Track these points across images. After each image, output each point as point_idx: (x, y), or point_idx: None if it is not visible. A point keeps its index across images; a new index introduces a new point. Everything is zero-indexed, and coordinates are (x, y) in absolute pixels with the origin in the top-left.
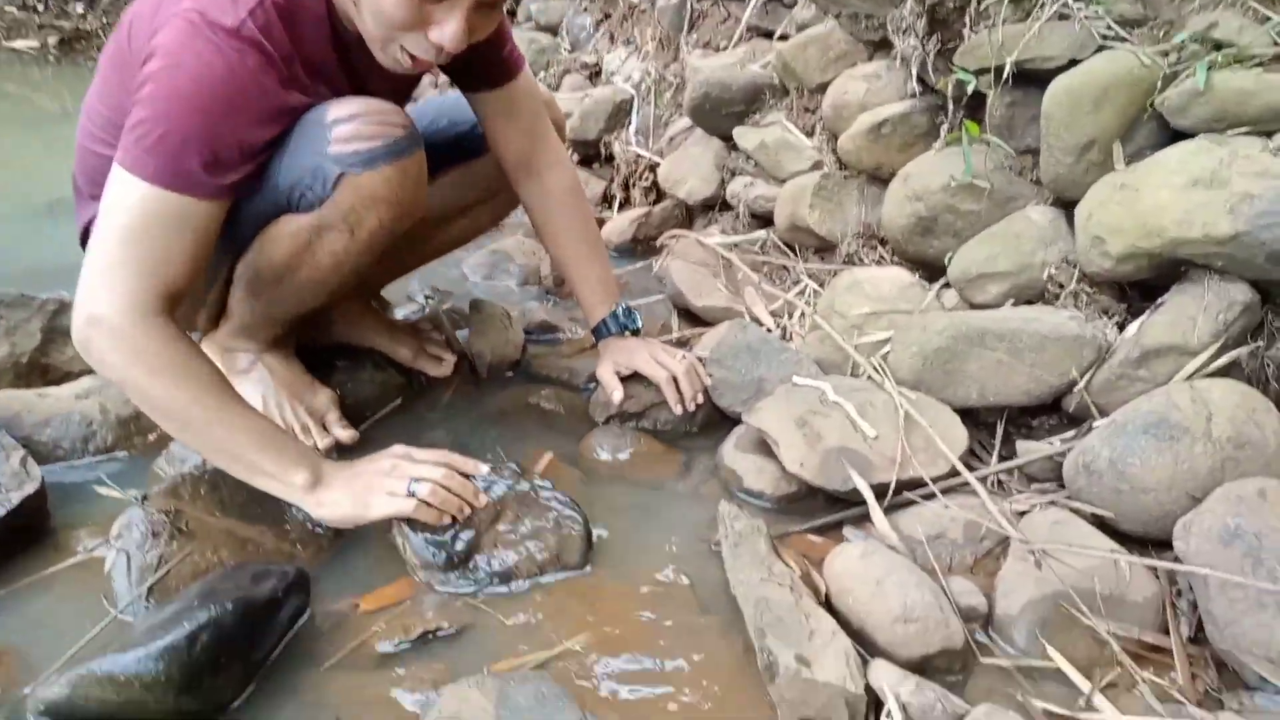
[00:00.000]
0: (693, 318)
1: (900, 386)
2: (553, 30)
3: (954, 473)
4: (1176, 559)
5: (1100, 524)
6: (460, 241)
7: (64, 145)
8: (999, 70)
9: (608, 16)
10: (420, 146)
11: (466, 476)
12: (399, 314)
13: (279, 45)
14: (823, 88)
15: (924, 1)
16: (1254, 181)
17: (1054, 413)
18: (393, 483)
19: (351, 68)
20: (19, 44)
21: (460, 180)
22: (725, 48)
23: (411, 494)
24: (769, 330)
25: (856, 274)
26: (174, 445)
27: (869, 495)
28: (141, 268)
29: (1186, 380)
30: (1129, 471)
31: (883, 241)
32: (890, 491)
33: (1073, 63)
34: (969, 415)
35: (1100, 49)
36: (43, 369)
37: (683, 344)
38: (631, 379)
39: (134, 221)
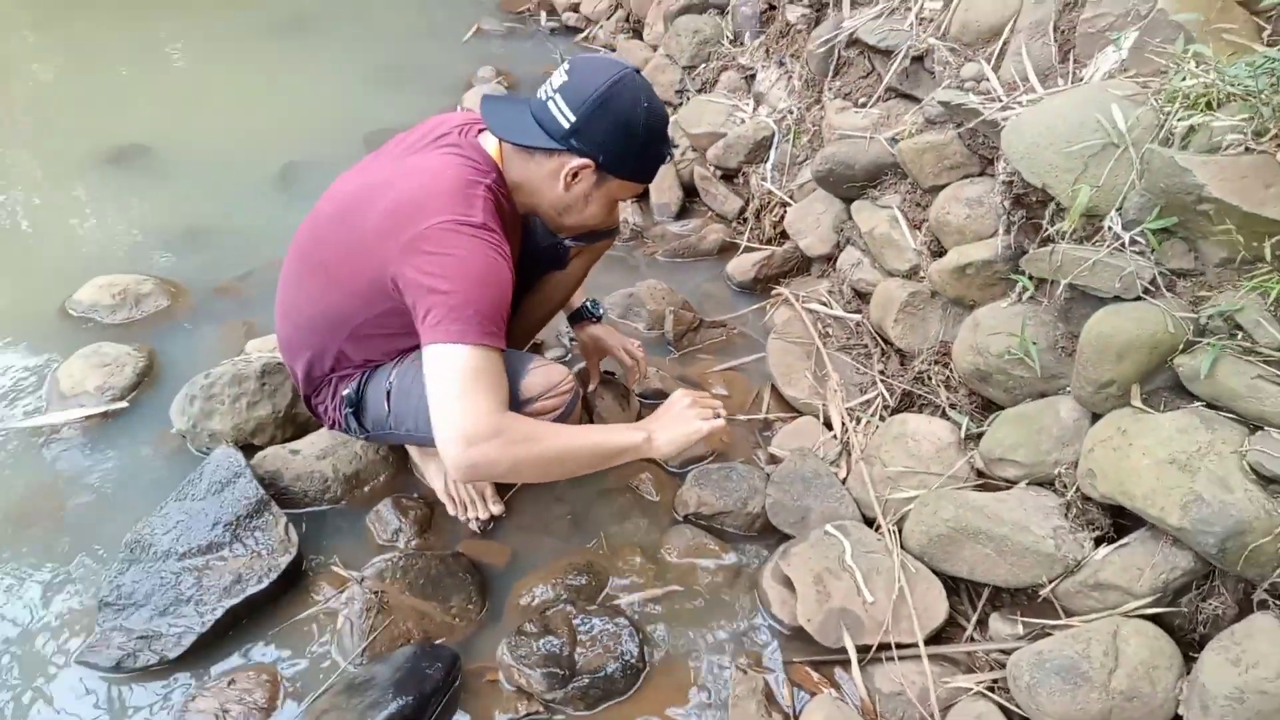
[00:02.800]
0: (784, 398)
1: (907, 552)
2: (721, 9)
3: (929, 640)
4: None
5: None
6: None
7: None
8: (1055, 282)
9: (768, 21)
10: (579, 397)
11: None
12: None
13: (500, 229)
14: (936, 189)
15: (1010, 186)
16: (1211, 485)
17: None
18: (700, 412)
19: (525, 235)
20: None
21: (554, 282)
22: (865, 104)
23: (717, 416)
24: (834, 436)
25: (907, 424)
26: (381, 506)
27: (853, 656)
28: (484, 397)
29: (1120, 615)
30: (1039, 698)
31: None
32: (871, 650)
33: (1118, 299)
34: (965, 582)
35: (1145, 294)
36: (293, 418)
37: (768, 424)
38: (713, 487)
39: (468, 371)
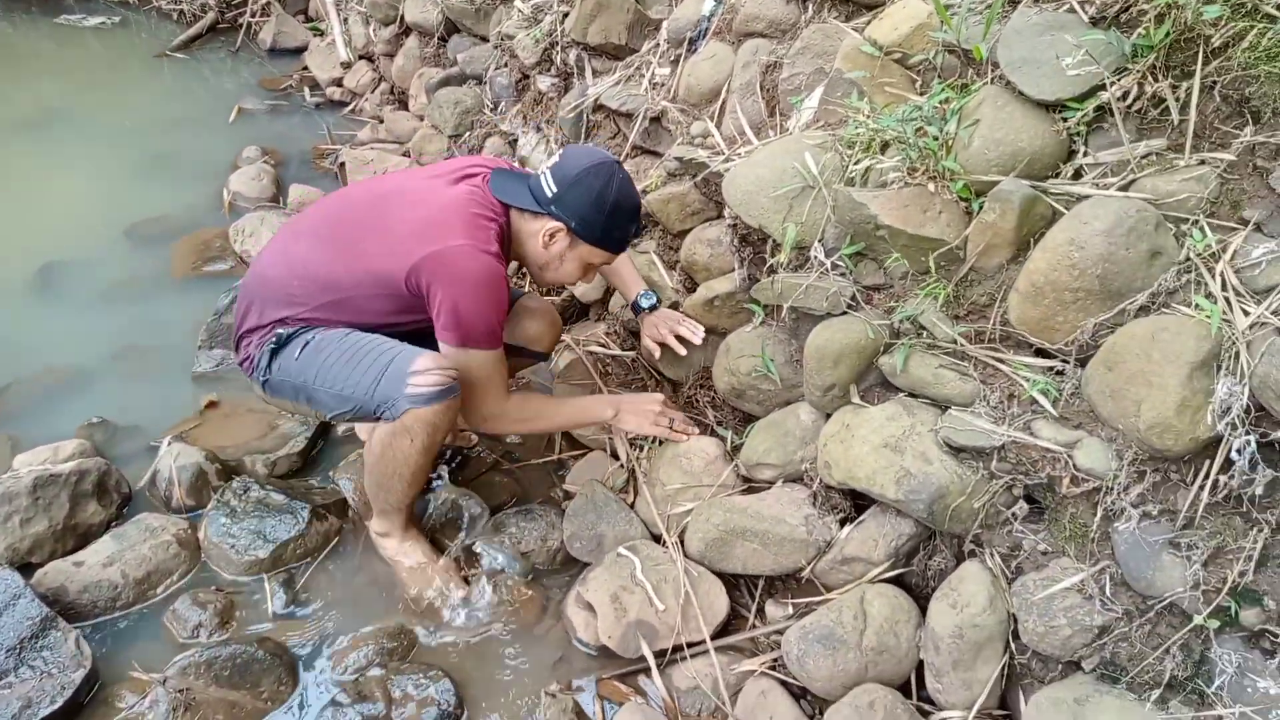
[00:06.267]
0: (574, 438)
1: (689, 558)
2: (479, 79)
3: (715, 634)
4: None
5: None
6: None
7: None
8: (781, 306)
9: (523, 90)
10: (457, 393)
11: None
12: None
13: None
14: (683, 233)
15: (735, 228)
16: (915, 461)
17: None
18: (661, 419)
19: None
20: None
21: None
22: None
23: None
24: (621, 465)
25: (680, 445)
26: (178, 604)
27: (652, 662)
28: (498, 386)
29: (867, 582)
30: (807, 666)
31: None
32: (668, 654)
33: (829, 315)
34: (743, 577)
35: (849, 309)
36: (73, 529)
37: (561, 464)
38: (513, 528)
39: (483, 368)
